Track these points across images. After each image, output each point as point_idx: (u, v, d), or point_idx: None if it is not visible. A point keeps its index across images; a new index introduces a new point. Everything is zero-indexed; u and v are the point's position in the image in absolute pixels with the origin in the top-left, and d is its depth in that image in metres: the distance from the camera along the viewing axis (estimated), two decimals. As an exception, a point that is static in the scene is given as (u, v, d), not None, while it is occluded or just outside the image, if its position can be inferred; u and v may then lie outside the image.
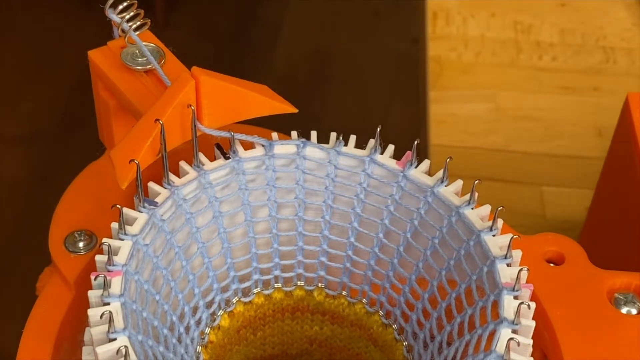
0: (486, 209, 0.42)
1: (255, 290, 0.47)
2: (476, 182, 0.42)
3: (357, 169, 0.45)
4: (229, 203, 0.45)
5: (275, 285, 0.47)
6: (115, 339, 0.36)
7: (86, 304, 0.38)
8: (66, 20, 1.19)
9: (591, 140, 1.03)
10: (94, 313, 0.37)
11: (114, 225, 0.40)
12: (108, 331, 0.36)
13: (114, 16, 0.46)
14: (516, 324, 0.38)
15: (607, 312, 0.44)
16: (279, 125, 0.48)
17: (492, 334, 0.38)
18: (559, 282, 0.45)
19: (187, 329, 0.43)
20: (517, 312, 0.38)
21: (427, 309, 0.43)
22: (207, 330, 0.45)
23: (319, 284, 0.47)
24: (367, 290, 0.46)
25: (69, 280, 0.44)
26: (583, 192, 0.96)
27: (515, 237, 0.40)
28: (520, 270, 0.39)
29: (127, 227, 0.40)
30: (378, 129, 0.44)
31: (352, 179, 0.45)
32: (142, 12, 0.46)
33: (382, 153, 0.45)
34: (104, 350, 0.36)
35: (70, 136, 1.03)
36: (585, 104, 1.08)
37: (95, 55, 0.47)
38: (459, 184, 0.43)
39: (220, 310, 0.46)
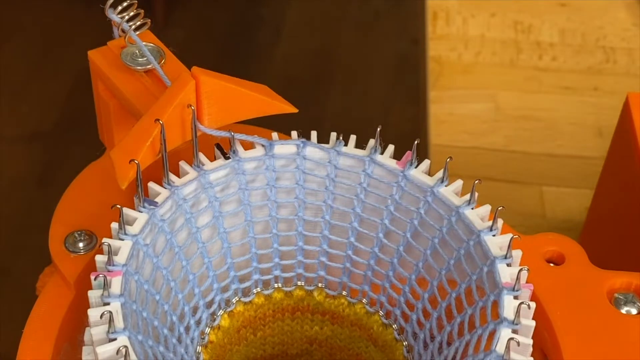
0: (486, 209, 0.42)
1: (255, 290, 0.47)
2: (476, 182, 0.42)
3: (357, 169, 0.45)
4: (229, 203, 0.45)
5: (275, 285, 0.47)
6: (115, 339, 0.36)
7: (86, 304, 0.38)
8: (66, 20, 1.19)
9: (591, 140, 1.03)
10: (94, 313, 0.37)
11: (114, 225, 0.40)
12: (108, 331, 0.36)
13: (114, 16, 0.46)
14: (516, 324, 0.38)
15: (607, 312, 0.44)
16: (279, 125, 0.48)
17: (492, 334, 0.38)
18: (559, 282, 0.45)
19: (187, 329, 0.43)
20: (517, 312, 0.38)
21: (427, 309, 0.43)
22: (207, 330, 0.45)
23: (319, 284, 0.47)
24: (367, 290, 0.46)
25: (69, 280, 0.44)
26: (583, 192, 0.96)
27: (515, 237, 0.40)
28: (520, 270, 0.39)
29: (127, 227, 0.40)
30: (378, 129, 0.44)
31: (352, 179, 0.45)
32: (142, 12, 0.46)
33: (382, 153, 0.45)
34: (104, 350, 0.36)
35: (70, 136, 1.03)
36: (585, 104, 1.08)
37: (95, 55, 0.47)
38: (459, 184, 0.43)
39: (220, 310, 0.46)
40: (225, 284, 0.45)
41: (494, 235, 0.41)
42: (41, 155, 1.01)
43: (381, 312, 0.46)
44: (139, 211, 0.41)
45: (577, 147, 1.02)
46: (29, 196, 0.96)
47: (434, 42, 1.17)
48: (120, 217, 0.40)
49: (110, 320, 0.36)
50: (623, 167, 0.62)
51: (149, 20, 0.47)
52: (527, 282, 0.39)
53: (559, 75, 1.12)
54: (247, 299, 0.47)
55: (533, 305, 0.38)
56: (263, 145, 0.45)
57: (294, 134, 0.46)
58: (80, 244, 0.45)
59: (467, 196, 0.42)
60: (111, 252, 0.39)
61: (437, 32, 1.18)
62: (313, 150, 0.45)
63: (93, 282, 0.38)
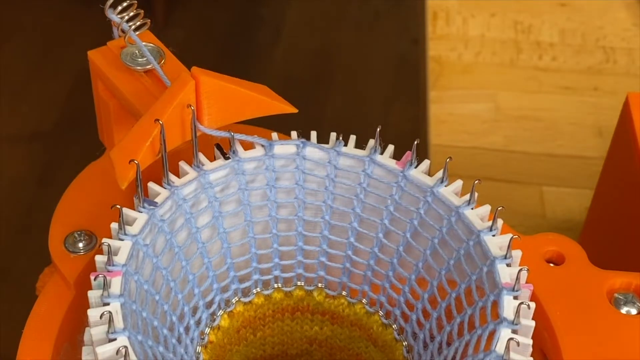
0: (486, 209, 0.42)
1: (255, 291, 0.47)
2: (476, 182, 0.42)
3: (357, 169, 0.45)
4: (228, 203, 0.45)
5: (275, 285, 0.47)
6: (115, 339, 0.36)
7: (86, 304, 0.38)
8: (66, 20, 1.19)
9: (591, 140, 1.03)
10: (94, 313, 0.37)
11: (114, 225, 0.40)
12: (108, 331, 0.36)
13: (113, 16, 0.46)
14: (516, 324, 0.38)
15: (607, 312, 0.44)
16: (279, 125, 0.48)
17: (492, 334, 0.38)
18: (559, 282, 0.45)
19: (187, 329, 0.43)
20: (517, 312, 0.38)
21: (427, 309, 0.43)
22: (207, 330, 0.45)
23: (319, 284, 0.47)
24: (367, 290, 0.46)
25: (69, 280, 0.44)
26: (583, 192, 0.96)
27: (515, 237, 0.40)
28: (520, 270, 0.39)
29: (127, 227, 0.40)
30: (378, 129, 0.44)
31: (352, 179, 0.45)
32: (142, 12, 0.46)
33: (382, 153, 0.45)
34: (104, 350, 0.36)
35: (70, 136, 1.03)
36: (585, 104, 1.08)
37: (95, 55, 0.47)
38: (459, 184, 0.43)
39: (220, 311, 0.46)
40: (225, 284, 0.45)
41: (493, 235, 0.41)
42: (41, 155, 1.01)
43: (381, 312, 0.46)
44: (139, 211, 0.41)
45: (577, 147, 1.02)
46: (29, 196, 0.96)
47: (434, 42, 1.17)
48: (120, 217, 0.40)
49: (110, 321, 0.36)
50: (623, 167, 0.62)
51: (149, 20, 0.47)
52: (527, 282, 0.39)
53: (559, 75, 1.12)
54: (247, 299, 0.47)
55: (533, 305, 0.38)
56: (263, 145, 0.45)
57: (294, 134, 0.46)
58: (80, 244, 0.45)
59: (467, 196, 0.42)
60: (111, 252, 0.39)
61: (437, 32, 1.18)
62: (313, 151, 0.45)
63: (93, 282, 0.38)
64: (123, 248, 0.39)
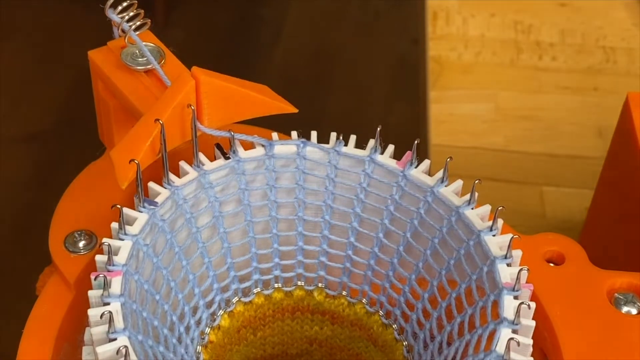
0: (486, 209, 0.42)
1: (255, 290, 0.47)
2: (476, 182, 0.42)
3: (357, 169, 0.45)
4: (229, 203, 0.45)
5: (275, 285, 0.47)
6: (115, 339, 0.36)
7: (86, 304, 0.38)
8: (66, 20, 1.19)
9: (591, 140, 1.03)
10: (94, 313, 0.37)
11: (114, 225, 0.40)
12: (108, 331, 0.36)
13: (114, 16, 0.46)
14: (516, 324, 0.38)
15: (607, 312, 0.44)
16: (279, 125, 0.48)
17: (492, 334, 0.38)
18: (559, 282, 0.45)
19: (187, 329, 0.43)
20: (517, 312, 0.38)
21: (427, 309, 0.43)
22: (207, 330, 0.45)
23: (319, 284, 0.47)
24: (367, 290, 0.46)
25: (69, 280, 0.44)
26: (583, 192, 0.96)
27: (515, 237, 0.40)
28: (520, 270, 0.39)
29: (127, 227, 0.40)
30: (378, 129, 0.44)
31: (352, 179, 0.45)
32: (142, 12, 0.46)
33: (382, 153, 0.45)
34: (104, 350, 0.36)
35: (70, 136, 1.03)
36: (585, 104, 1.08)
37: (95, 55, 0.47)
38: (459, 184, 0.43)
39: (220, 310, 0.46)
40: (225, 284, 0.45)
41: (494, 235, 0.41)
42: (41, 156, 1.01)
43: (381, 312, 0.46)
44: (139, 211, 0.41)
45: (577, 147, 1.02)
46: (29, 196, 0.96)
47: (434, 42, 1.17)
48: (120, 217, 0.40)
49: (110, 320, 0.36)
50: (623, 167, 0.62)
51: (149, 20, 0.47)
52: (527, 282, 0.39)
53: (559, 75, 1.12)
54: (247, 299, 0.47)
55: (533, 305, 0.38)
56: (263, 145, 0.45)
57: (294, 134, 0.46)
58: (80, 244, 0.45)
59: (467, 196, 0.42)
60: (111, 252, 0.39)
61: (437, 32, 1.18)
62: (313, 150, 0.45)
63: (93, 282, 0.38)
64: (123, 248, 0.39)
